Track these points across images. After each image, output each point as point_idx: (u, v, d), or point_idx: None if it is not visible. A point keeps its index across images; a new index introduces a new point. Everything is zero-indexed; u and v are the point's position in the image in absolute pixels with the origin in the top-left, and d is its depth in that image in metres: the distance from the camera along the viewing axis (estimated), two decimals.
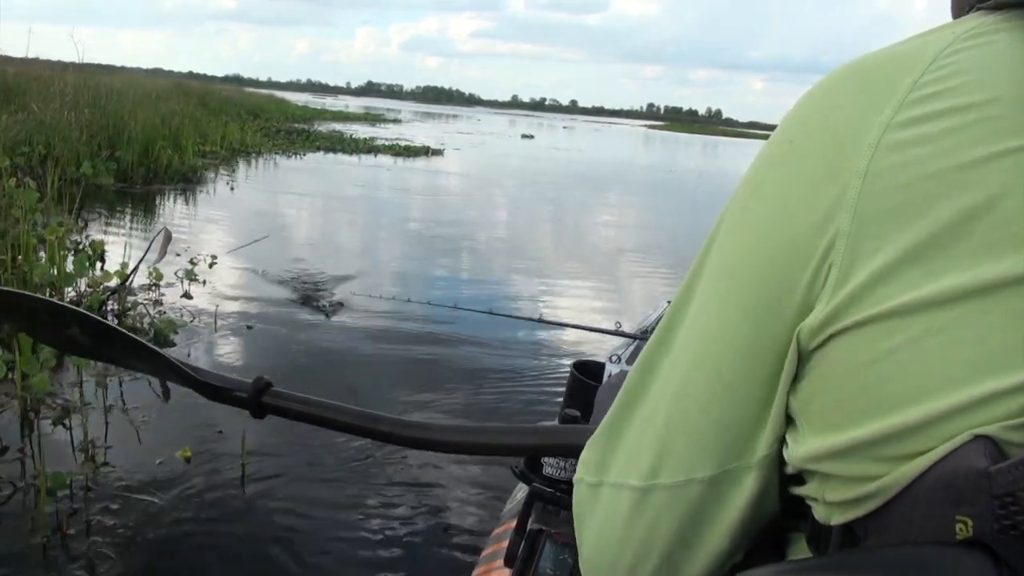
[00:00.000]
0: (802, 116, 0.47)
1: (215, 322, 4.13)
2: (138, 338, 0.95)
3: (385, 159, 17.00)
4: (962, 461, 0.37)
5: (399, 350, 4.17)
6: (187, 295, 4.68)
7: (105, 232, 6.48)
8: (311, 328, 4.31)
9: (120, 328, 0.94)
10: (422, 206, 10.36)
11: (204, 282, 4.97)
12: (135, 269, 4.29)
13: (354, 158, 16.45)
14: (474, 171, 17.00)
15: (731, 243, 0.48)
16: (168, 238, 4.02)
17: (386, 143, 19.97)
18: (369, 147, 18.51)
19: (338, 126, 27.08)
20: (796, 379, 0.45)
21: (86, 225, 6.64)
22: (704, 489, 0.48)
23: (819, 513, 0.45)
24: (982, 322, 0.39)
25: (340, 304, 4.91)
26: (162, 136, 10.81)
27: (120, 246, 5.17)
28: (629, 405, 0.51)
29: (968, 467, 0.37)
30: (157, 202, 8.69)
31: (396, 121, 41.09)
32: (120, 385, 3.27)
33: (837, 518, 0.43)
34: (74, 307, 0.98)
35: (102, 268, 4.92)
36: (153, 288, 4.63)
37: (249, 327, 4.11)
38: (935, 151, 0.41)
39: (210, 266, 5.36)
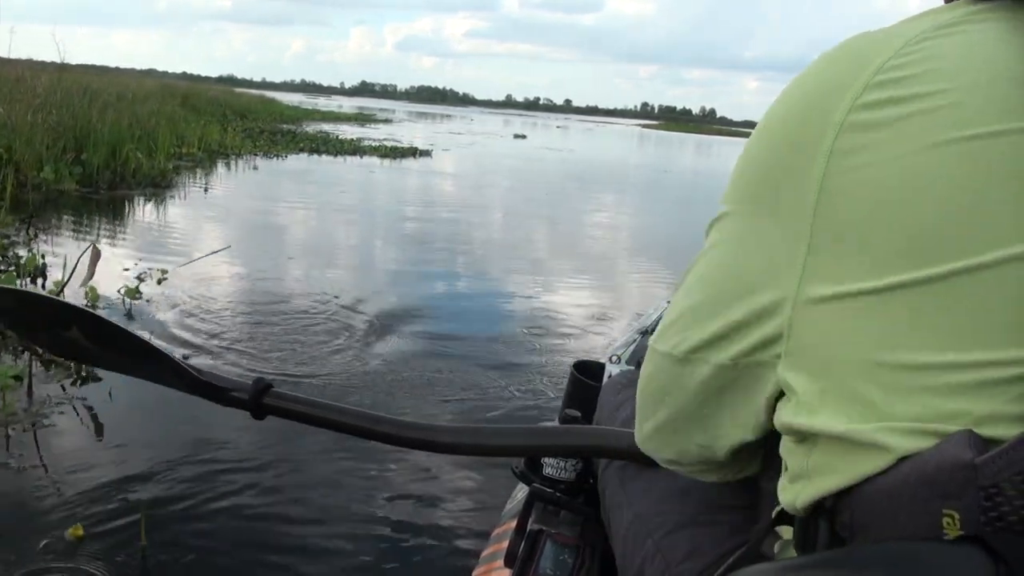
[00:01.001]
0: (787, 94, 0.50)
1: None
2: (141, 336, 0.94)
3: (370, 160, 16.49)
4: (947, 454, 0.37)
5: (377, 356, 3.71)
6: (129, 315, 4.20)
7: (53, 243, 5.97)
8: (272, 349, 3.83)
9: (123, 327, 0.94)
10: (396, 210, 9.89)
11: (149, 301, 4.48)
12: (62, 289, 3.82)
13: (338, 160, 15.95)
14: (460, 172, 16.47)
15: (729, 210, 0.54)
16: (97, 255, 3.55)
17: (373, 144, 19.48)
18: (354, 148, 18.00)
19: (326, 127, 26.62)
20: (786, 352, 0.48)
21: (35, 236, 6.15)
22: (711, 372, 0.54)
23: (788, 495, 0.46)
24: (941, 305, 0.40)
25: (300, 315, 4.46)
26: (134, 138, 10.32)
27: (70, 259, 4.68)
28: (682, 288, 0.59)
29: (953, 460, 0.37)
30: (119, 209, 8.18)
31: (387, 121, 40.61)
32: (34, 437, 2.79)
33: (807, 493, 0.44)
34: (75, 305, 0.97)
35: (43, 286, 4.47)
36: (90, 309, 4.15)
37: (185, 357, 3.62)
38: (893, 136, 0.41)
39: (159, 282, 4.87)
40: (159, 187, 9.48)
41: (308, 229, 8.27)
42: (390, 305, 4.94)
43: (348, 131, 25.20)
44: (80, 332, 0.93)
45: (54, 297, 1.06)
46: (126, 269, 5.11)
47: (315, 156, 16.17)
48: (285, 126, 23.11)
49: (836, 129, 0.43)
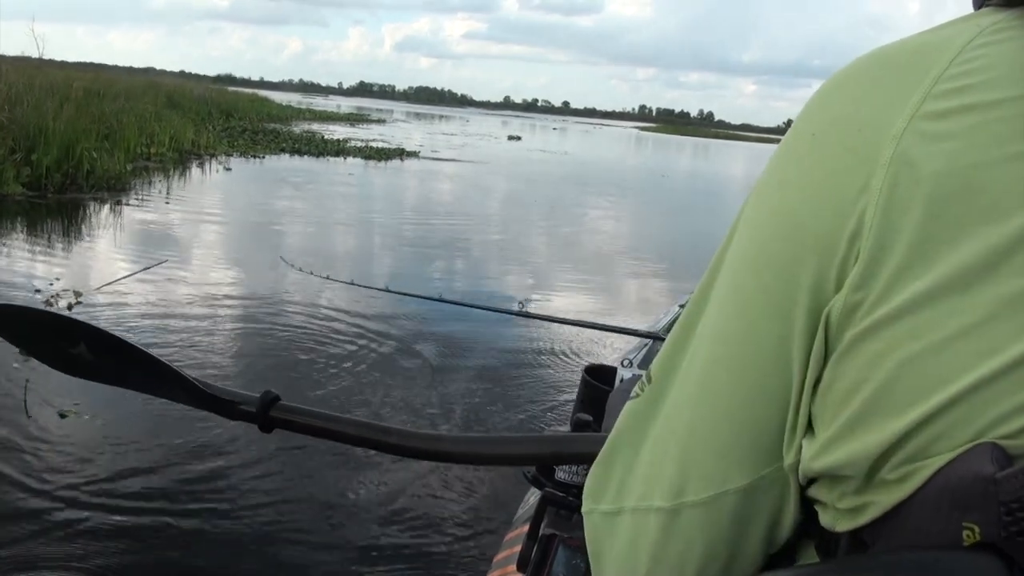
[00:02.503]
0: (825, 107, 0.46)
1: (25, 404, 3.00)
2: (145, 350, 0.91)
3: (353, 162, 15.87)
4: (969, 467, 0.36)
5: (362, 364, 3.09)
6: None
7: None
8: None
9: (129, 341, 0.92)
10: (361, 217, 9.26)
11: None
12: None
13: (319, 161, 15.32)
14: (445, 175, 15.79)
15: (753, 239, 0.46)
16: None
17: (358, 145, 18.87)
18: (338, 149, 17.38)
19: (316, 126, 26.03)
20: (815, 385, 0.43)
21: None
22: (740, 500, 0.45)
23: (827, 519, 0.44)
24: (992, 319, 0.37)
25: (228, 337, 3.84)
26: (98, 136, 9.66)
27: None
28: (642, 420, 0.48)
29: (975, 473, 0.36)
30: (63, 215, 7.53)
31: (381, 122, 40.05)
32: None
33: (845, 524, 0.42)
34: (82, 320, 0.96)
35: None
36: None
37: (62, 415, 2.95)
38: (959, 147, 0.39)
39: (69, 307, 4.22)
40: (114, 191, 8.83)
41: (260, 240, 7.54)
42: (322, 319, 4.32)
43: (337, 131, 24.60)
44: (87, 347, 0.92)
45: (59, 313, 1.02)
46: (38, 290, 4.47)
47: (296, 157, 15.55)
48: (271, 125, 22.48)
49: (895, 141, 0.40)
